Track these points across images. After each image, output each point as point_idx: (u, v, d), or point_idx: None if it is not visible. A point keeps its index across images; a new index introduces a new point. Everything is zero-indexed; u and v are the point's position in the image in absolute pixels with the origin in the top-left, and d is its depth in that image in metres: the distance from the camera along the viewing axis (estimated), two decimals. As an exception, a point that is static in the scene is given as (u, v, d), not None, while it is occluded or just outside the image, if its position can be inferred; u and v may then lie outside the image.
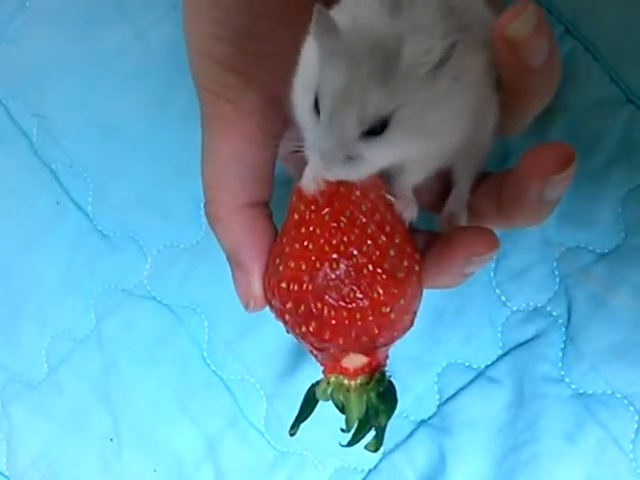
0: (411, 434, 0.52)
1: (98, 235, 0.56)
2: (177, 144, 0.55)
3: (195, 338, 0.55)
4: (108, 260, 0.56)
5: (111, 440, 0.55)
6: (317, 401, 0.38)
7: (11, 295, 0.57)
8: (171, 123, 0.56)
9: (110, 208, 0.56)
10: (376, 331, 0.35)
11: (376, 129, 0.30)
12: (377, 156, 0.32)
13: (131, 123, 0.57)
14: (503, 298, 0.51)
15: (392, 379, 0.39)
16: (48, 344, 0.57)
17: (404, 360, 0.51)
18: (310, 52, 0.32)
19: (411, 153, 0.33)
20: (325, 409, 0.38)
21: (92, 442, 0.56)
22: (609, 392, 0.49)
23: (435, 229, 0.40)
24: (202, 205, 0.52)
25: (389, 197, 0.35)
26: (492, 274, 0.51)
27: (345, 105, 0.30)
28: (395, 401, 0.38)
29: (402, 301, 0.35)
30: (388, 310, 0.35)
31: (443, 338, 0.51)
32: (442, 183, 0.40)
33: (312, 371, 0.39)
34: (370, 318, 0.35)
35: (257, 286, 0.38)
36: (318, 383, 0.38)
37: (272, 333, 0.53)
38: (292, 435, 0.39)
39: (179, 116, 0.55)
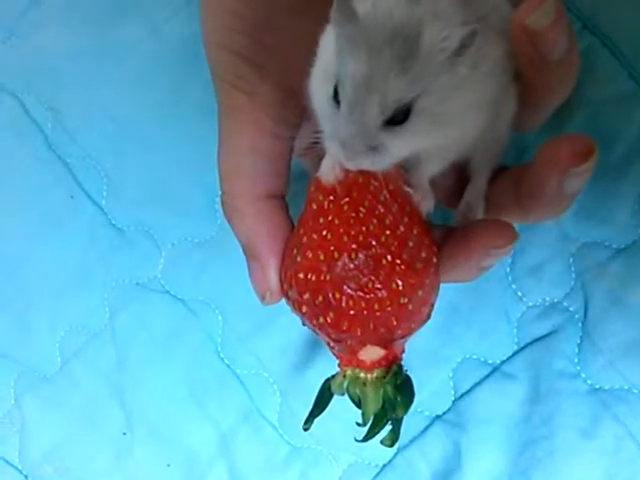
0: (426, 429, 0.51)
1: (112, 229, 0.56)
2: (191, 138, 0.55)
3: (209, 332, 0.55)
4: (122, 254, 0.56)
5: (124, 434, 0.55)
6: (331, 396, 0.38)
7: (25, 289, 0.57)
8: (185, 117, 0.56)
9: (124, 202, 0.56)
10: (394, 322, 0.35)
11: (397, 118, 0.30)
12: (399, 145, 0.31)
13: (145, 117, 0.56)
14: (519, 293, 0.50)
15: (408, 373, 0.39)
16: (62, 338, 0.57)
17: (419, 355, 0.51)
18: (329, 41, 0.32)
19: (432, 142, 0.32)
20: (339, 403, 0.38)
21: (105, 436, 0.56)
22: (626, 387, 0.49)
23: (451, 224, 0.40)
24: (217, 199, 0.53)
25: (407, 188, 0.35)
26: (508, 269, 0.50)
27: (367, 93, 0.30)
28: (412, 394, 0.38)
29: (420, 292, 0.35)
30: (406, 301, 0.35)
31: (458, 333, 0.51)
32: (458, 177, 0.40)
33: (326, 366, 0.39)
34: (388, 309, 0.35)
35: (273, 278, 0.38)
36: (333, 377, 0.38)
37: (286, 328, 0.53)
38: (306, 430, 0.39)
39: (193, 110, 0.55)
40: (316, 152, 0.34)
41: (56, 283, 0.57)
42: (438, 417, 0.51)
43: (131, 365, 0.56)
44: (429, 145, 0.33)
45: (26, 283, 0.57)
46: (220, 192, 0.40)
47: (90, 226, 0.57)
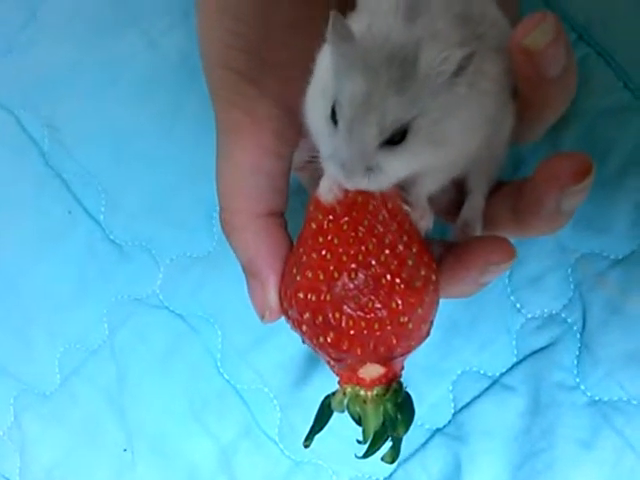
0: (426, 442, 0.51)
1: (110, 244, 0.56)
2: (189, 152, 0.55)
3: (208, 347, 0.55)
4: (120, 269, 0.56)
5: (125, 450, 0.55)
6: (332, 412, 0.38)
7: (23, 305, 0.57)
8: (183, 131, 0.56)
9: (122, 217, 0.56)
10: (394, 341, 0.35)
11: (395, 138, 0.30)
12: (397, 165, 0.31)
13: (143, 131, 0.56)
14: (518, 305, 0.50)
15: (408, 389, 0.39)
16: (61, 354, 0.57)
17: (419, 368, 0.51)
18: (326, 60, 0.32)
19: (430, 162, 0.32)
20: (340, 418, 0.38)
21: (106, 452, 0.56)
22: (625, 399, 0.49)
23: (450, 238, 0.40)
24: (214, 214, 0.53)
25: (405, 207, 0.35)
26: (507, 281, 0.50)
27: (365, 114, 0.30)
28: (413, 411, 0.38)
29: (420, 310, 0.35)
30: (406, 320, 0.35)
31: (458, 346, 0.51)
32: (457, 191, 0.40)
33: (326, 380, 0.39)
34: (388, 328, 0.35)
35: (273, 296, 0.38)
36: (333, 394, 0.38)
37: (286, 342, 0.53)
38: (307, 447, 0.39)
39: (191, 124, 0.55)
40: (314, 167, 0.34)
41: (55, 299, 0.57)
42: (438, 430, 0.51)
43: (131, 381, 0.56)
44: (427, 164, 0.33)
45: (25, 299, 0.57)
46: (218, 208, 0.40)
47: (88, 241, 0.57)
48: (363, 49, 0.30)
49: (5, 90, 0.59)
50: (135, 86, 0.57)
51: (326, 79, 0.32)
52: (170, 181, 0.56)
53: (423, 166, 0.33)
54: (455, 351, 0.51)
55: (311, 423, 0.39)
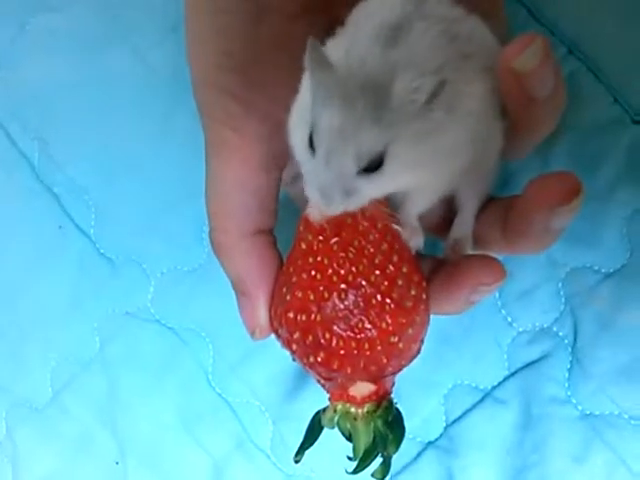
0: (418, 455, 0.51)
1: (101, 259, 0.56)
2: (179, 166, 0.55)
3: (200, 361, 0.54)
4: (112, 283, 0.56)
5: (117, 464, 0.55)
6: (322, 428, 0.38)
7: (16, 320, 0.57)
8: (173, 145, 0.55)
9: (113, 231, 0.56)
10: (384, 360, 0.35)
11: (372, 165, 0.30)
12: (374, 189, 0.32)
13: (132, 145, 0.56)
14: (509, 319, 0.50)
15: (398, 405, 0.39)
16: (53, 368, 0.56)
17: (410, 382, 0.50)
18: (306, 83, 0.33)
19: (409, 184, 0.33)
20: (331, 431, 0.38)
21: (98, 466, 0.56)
22: (616, 413, 0.49)
23: (440, 254, 0.40)
24: (205, 227, 0.53)
25: (396, 227, 0.35)
26: (498, 295, 0.50)
27: (341, 143, 0.30)
28: (403, 429, 0.38)
29: (410, 330, 0.35)
30: (396, 340, 0.35)
31: (449, 359, 0.51)
32: (447, 207, 0.40)
33: (318, 394, 0.39)
34: (379, 348, 0.35)
35: (263, 315, 0.39)
36: (324, 410, 0.38)
37: (277, 356, 0.52)
38: (297, 462, 0.39)
39: (181, 138, 0.55)
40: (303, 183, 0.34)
41: (47, 313, 0.57)
42: (430, 443, 0.51)
43: (122, 395, 0.55)
44: (407, 186, 0.33)
45: (17, 313, 0.57)
46: (208, 228, 0.40)
47: (79, 256, 0.56)
48: (339, 77, 0.30)
49: (-6, 104, 0.59)
50: (125, 100, 0.56)
51: (306, 104, 0.32)
52: (160, 195, 0.55)
53: (402, 188, 0.33)
54: (447, 364, 0.51)
55: (302, 439, 0.39)
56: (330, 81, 0.30)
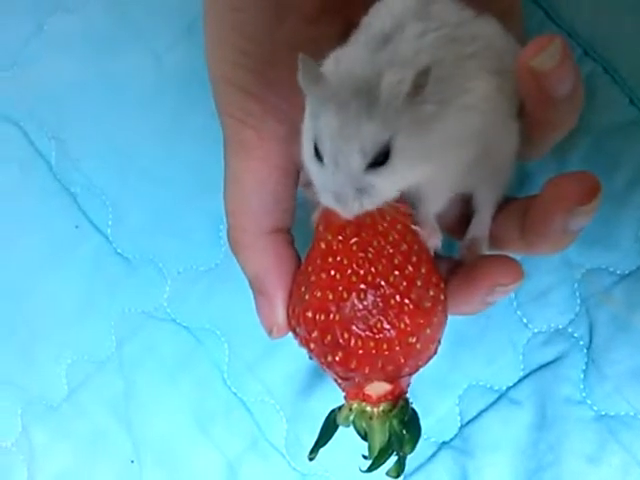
0: (433, 456, 0.51)
1: (118, 258, 0.56)
2: (195, 165, 0.55)
3: (215, 360, 0.55)
4: (128, 283, 0.56)
5: (132, 462, 0.55)
6: (337, 426, 0.39)
7: (31, 318, 0.57)
8: (188, 143, 0.56)
9: (129, 231, 0.56)
10: (402, 360, 0.36)
11: (379, 159, 0.30)
12: (385, 185, 0.32)
13: (148, 145, 0.57)
14: (524, 320, 0.50)
15: (414, 405, 0.39)
16: (68, 367, 0.57)
17: (425, 382, 0.50)
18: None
19: (419, 178, 0.33)
20: (346, 429, 0.38)
21: (113, 464, 0.56)
22: (632, 414, 0.49)
23: (457, 255, 0.40)
24: (221, 226, 0.53)
25: (414, 227, 0.35)
26: (513, 296, 0.50)
27: (344, 143, 0.30)
28: (419, 428, 0.39)
29: (428, 330, 0.35)
30: (414, 340, 0.35)
31: (464, 360, 0.51)
32: (464, 207, 0.40)
33: (333, 393, 0.39)
34: (397, 348, 0.35)
35: (281, 313, 0.39)
36: (339, 409, 0.39)
37: (292, 355, 0.53)
38: (311, 460, 0.39)
39: (195, 137, 0.55)
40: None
41: (62, 312, 0.57)
42: (445, 443, 0.51)
43: (138, 394, 0.56)
44: (416, 180, 0.33)
45: (32, 313, 0.58)
46: (226, 226, 0.40)
47: (95, 255, 0.57)
48: (333, 86, 0.30)
49: (11, 104, 0.59)
50: (140, 100, 0.57)
51: (309, 120, 0.33)
52: (176, 194, 0.56)
53: (412, 182, 0.33)
54: (462, 365, 0.51)
55: (316, 437, 0.39)
56: (325, 92, 0.30)
